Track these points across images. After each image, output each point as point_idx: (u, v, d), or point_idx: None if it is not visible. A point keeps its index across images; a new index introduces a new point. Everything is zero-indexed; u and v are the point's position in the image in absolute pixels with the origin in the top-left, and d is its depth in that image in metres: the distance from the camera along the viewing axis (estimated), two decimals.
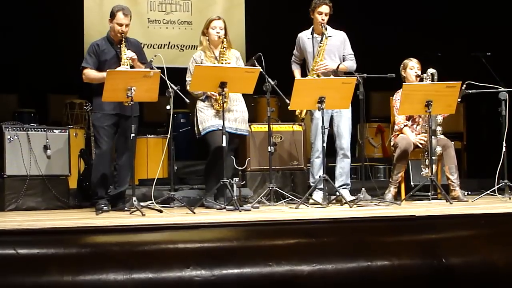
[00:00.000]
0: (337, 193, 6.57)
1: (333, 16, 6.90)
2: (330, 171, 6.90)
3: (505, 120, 6.73)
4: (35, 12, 9.46)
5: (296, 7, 8.52)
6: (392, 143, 7.01)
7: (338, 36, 6.96)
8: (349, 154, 6.87)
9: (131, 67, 6.05)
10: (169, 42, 10.11)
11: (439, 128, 6.77)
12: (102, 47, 6.20)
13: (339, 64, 6.78)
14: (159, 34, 10.09)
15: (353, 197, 6.55)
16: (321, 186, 6.54)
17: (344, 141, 6.85)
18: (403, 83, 6.60)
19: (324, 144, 6.41)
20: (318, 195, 6.61)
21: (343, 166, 6.86)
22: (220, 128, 6.09)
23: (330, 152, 6.94)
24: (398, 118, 6.88)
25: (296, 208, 6.07)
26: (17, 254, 3.55)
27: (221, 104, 6.16)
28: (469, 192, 7.15)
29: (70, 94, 9.11)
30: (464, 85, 6.65)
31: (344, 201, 6.32)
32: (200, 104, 6.46)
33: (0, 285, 3.40)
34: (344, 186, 6.84)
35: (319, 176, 6.47)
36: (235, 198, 5.87)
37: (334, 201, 6.55)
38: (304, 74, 7.06)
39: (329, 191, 6.61)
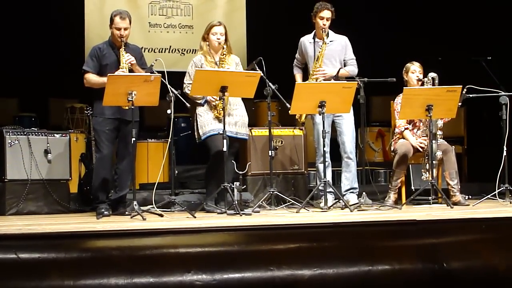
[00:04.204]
0: (344, 197, 6.57)
1: (335, 19, 6.90)
2: (338, 177, 6.90)
3: (506, 124, 6.73)
4: (35, 16, 9.47)
5: (297, 12, 8.54)
6: (392, 149, 7.01)
7: (339, 40, 6.96)
8: (353, 156, 6.86)
9: (130, 71, 6.05)
10: (170, 46, 10.12)
11: (439, 132, 6.77)
12: (104, 51, 6.21)
13: (339, 69, 6.78)
14: (160, 38, 10.10)
15: (360, 200, 6.49)
16: (329, 190, 6.55)
17: (348, 145, 6.84)
18: (404, 87, 6.60)
19: (326, 148, 6.41)
20: (328, 199, 6.54)
21: (349, 169, 6.85)
22: (221, 132, 6.09)
23: (337, 157, 6.94)
24: (399, 122, 6.88)
25: (296, 212, 6.07)
26: (18, 259, 3.55)
27: (220, 111, 6.16)
28: (470, 196, 7.14)
29: (70, 98, 9.12)
30: (465, 89, 6.65)
31: (345, 205, 6.31)
32: (200, 109, 6.47)
33: None
34: (351, 190, 6.83)
35: (321, 180, 6.46)
36: (236, 202, 5.86)
37: (341, 205, 6.50)
38: (305, 78, 7.06)
39: (336, 195, 6.63)
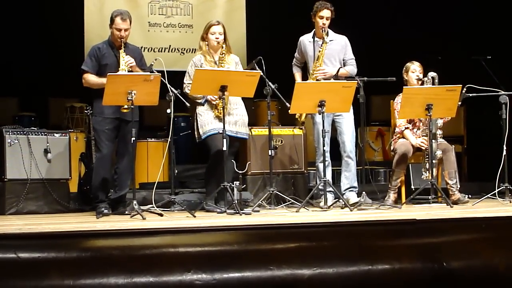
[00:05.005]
0: (344, 196, 6.57)
1: (335, 19, 6.90)
2: (338, 176, 6.89)
3: (506, 123, 6.73)
4: (35, 16, 9.48)
5: (297, 11, 8.54)
6: (392, 148, 7.01)
7: (339, 40, 6.96)
8: (352, 155, 6.86)
9: (129, 72, 6.05)
10: (170, 46, 10.12)
11: (439, 132, 6.77)
12: (103, 51, 6.21)
13: (339, 68, 6.78)
14: (160, 38, 10.09)
15: (359, 199, 6.47)
16: (329, 189, 6.55)
17: (348, 144, 6.84)
18: (404, 87, 6.60)
19: (325, 148, 6.41)
20: (328, 198, 6.54)
21: (348, 169, 6.85)
22: (221, 131, 6.09)
23: (337, 157, 6.94)
24: (399, 121, 6.88)
25: (296, 211, 6.07)
26: (18, 258, 3.55)
27: (221, 110, 6.16)
28: (470, 196, 7.13)
29: (70, 97, 9.12)
30: (465, 89, 6.65)
31: (345, 205, 6.31)
32: (200, 108, 6.47)
33: None
34: (351, 189, 6.83)
35: (321, 180, 6.46)
36: (236, 201, 5.86)
37: (340, 205, 6.50)
38: (305, 77, 7.06)
39: (336, 194, 6.63)
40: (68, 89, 8.90)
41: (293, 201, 6.61)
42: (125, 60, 6.04)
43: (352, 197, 6.73)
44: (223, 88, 5.94)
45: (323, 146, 6.41)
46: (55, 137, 6.91)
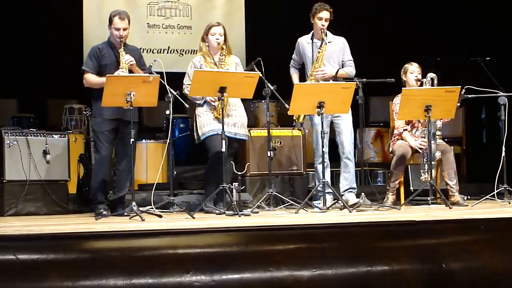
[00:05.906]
0: (343, 197, 6.56)
1: (333, 20, 6.90)
2: (336, 177, 6.89)
3: (504, 124, 6.73)
4: (34, 17, 9.47)
5: (296, 12, 8.53)
6: (390, 150, 7.01)
7: (337, 41, 6.97)
8: (351, 157, 6.86)
9: (130, 71, 6.06)
10: (169, 47, 10.11)
11: (438, 133, 6.77)
12: (103, 51, 6.22)
13: (338, 69, 6.78)
14: (159, 39, 10.08)
15: (358, 199, 6.46)
16: (328, 191, 6.55)
17: (346, 146, 6.84)
18: (403, 88, 6.60)
19: (324, 149, 6.41)
20: (327, 199, 6.53)
21: (347, 170, 6.85)
22: (220, 132, 6.09)
23: (335, 158, 6.94)
24: (398, 123, 6.88)
25: (295, 213, 6.07)
26: (16, 260, 3.55)
27: (220, 111, 6.16)
28: (469, 197, 7.13)
29: (69, 99, 9.11)
30: (464, 90, 6.66)
31: (344, 206, 6.30)
32: (199, 109, 6.47)
33: None
34: (350, 190, 6.83)
35: (320, 181, 6.46)
36: (235, 203, 5.86)
37: (339, 206, 6.49)
38: (302, 78, 7.06)
39: (334, 195, 6.63)
40: (67, 90, 8.91)
41: (292, 202, 6.61)
42: (125, 59, 6.06)
43: (351, 198, 6.73)
44: (222, 89, 5.95)
45: (322, 147, 6.42)
46: (54, 138, 6.91)
